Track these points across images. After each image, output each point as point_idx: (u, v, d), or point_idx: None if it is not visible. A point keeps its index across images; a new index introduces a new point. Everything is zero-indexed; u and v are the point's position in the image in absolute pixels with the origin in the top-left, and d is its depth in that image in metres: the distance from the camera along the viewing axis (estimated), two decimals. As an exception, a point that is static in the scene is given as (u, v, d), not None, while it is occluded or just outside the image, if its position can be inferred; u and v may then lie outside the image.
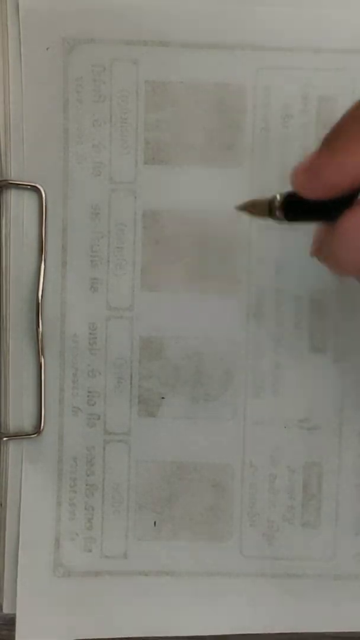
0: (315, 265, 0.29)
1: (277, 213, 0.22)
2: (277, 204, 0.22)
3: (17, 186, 0.28)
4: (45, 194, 0.28)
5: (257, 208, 0.23)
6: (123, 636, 0.29)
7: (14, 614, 0.29)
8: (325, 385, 0.29)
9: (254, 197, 0.23)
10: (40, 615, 0.29)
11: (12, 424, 0.29)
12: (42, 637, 0.29)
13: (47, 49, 0.28)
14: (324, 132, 0.28)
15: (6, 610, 0.29)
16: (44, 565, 0.29)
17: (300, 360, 0.29)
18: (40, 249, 0.28)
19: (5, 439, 0.29)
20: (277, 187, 0.29)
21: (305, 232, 0.29)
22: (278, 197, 0.22)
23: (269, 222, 0.23)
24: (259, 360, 0.29)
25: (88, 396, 0.29)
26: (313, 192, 0.21)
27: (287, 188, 0.29)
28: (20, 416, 0.29)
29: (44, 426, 0.29)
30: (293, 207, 0.22)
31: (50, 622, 0.29)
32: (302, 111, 0.28)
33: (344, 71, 0.28)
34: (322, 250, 0.22)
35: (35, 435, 0.29)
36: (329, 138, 0.21)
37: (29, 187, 0.28)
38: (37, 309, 0.29)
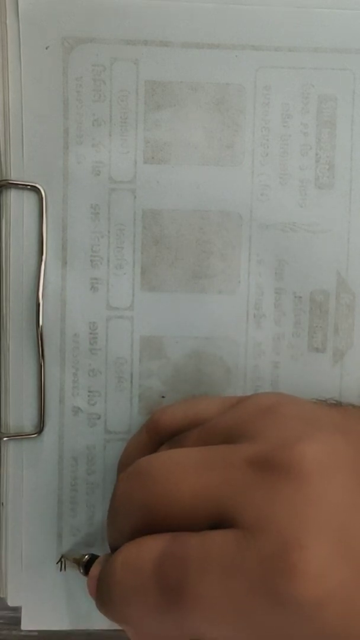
0: (315, 265, 0.29)
1: (81, 570, 0.27)
2: (83, 562, 0.27)
3: (17, 186, 0.28)
4: (45, 194, 0.28)
5: (74, 560, 0.28)
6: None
7: (16, 614, 0.29)
8: (325, 385, 0.29)
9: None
10: (44, 607, 0.29)
11: (12, 424, 0.29)
12: (46, 627, 0.30)
13: (47, 48, 0.28)
14: (324, 132, 0.29)
15: (11, 603, 0.30)
16: (47, 560, 0.29)
17: (300, 360, 0.29)
18: (40, 249, 0.28)
19: (5, 439, 0.29)
20: (276, 186, 0.29)
21: (306, 232, 0.29)
22: (87, 557, 0.27)
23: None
24: (259, 360, 0.29)
25: (88, 396, 0.29)
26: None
27: (287, 188, 0.29)
28: (20, 416, 0.29)
29: (44, 426, 0.29)
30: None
31: (54, 613, 0.30)
32: (302, 111, 0.28)
33: (344, 71, 0.28)
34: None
35: (36, 435, 0.29)
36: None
37: (28, 187, 0.28)
38: (37, 309, 0.29)
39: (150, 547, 0.21)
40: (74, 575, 0.29)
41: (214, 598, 0.20)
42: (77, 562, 0.28)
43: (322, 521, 0.19)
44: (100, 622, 0.30)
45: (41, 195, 0.28)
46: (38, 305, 0.29)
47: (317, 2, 0.28)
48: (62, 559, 0.29)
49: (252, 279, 0.29)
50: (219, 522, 0.20)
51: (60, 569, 0.29)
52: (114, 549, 0.23)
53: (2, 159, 0.28)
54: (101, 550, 0.29)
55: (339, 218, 0.29)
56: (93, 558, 0.26)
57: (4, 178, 0.28)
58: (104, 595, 0.23)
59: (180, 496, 0.21)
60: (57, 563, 0.29)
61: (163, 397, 0.29)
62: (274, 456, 0.21)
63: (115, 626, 0.29)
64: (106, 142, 0.28)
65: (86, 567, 0.27)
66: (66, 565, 0.29)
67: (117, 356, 0.29)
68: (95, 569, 0.25)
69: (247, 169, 0.29)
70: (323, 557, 0.19)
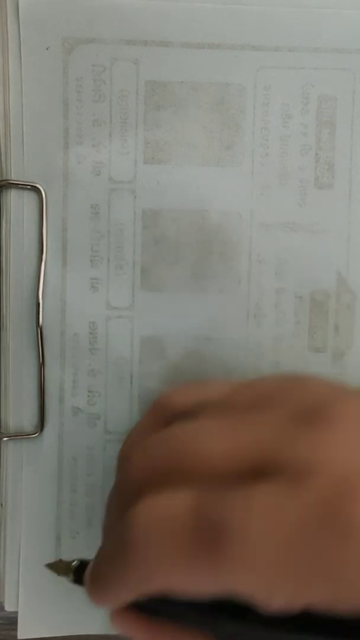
0: (315, 265, 0.29)
1: (70, 577, 0.25)
2: (72, 567, 0.25)
3: (17, 186, 0.28)
4: (45, 194, 0.28)
5: (61, 567, 0.25)
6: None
7: (15, 615, 0.29)
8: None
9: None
10: (42, 612, 0.29)
11: (12, 424, 0.29)
12: (44, 633, 0.30)
13: (47, 48, 0.28)
14: (323, 132, 0.29)
15: (8, 608, 0.29)
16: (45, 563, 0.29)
17: (300, 360, 0.29)
18: (40, 249, 0.28)
19: (5, 439, 0.29)
20: (276, 186, 0.29)
21: (306, 232, 0.29)
22: (75, 562, 0.25)
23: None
24: (259, 360, 0.29)
25: (88, 396, 0.29)
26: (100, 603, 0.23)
27: (287, 188, 0.29)
28: (20, 416, 0.29)
29: (44, 426, 0.29)
30: (82, 574, 0.24)
31: (52, 619, 0.29)
32: (302, 111, 0.28)
33: (344, 71, 0.28)
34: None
35: (35, 435, 0.29)
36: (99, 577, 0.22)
37: (29, 187, 0.28)
38: (37, 309, 0.29)
39: (182, 497, 0.20)
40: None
41: (260, 540, 0.19)
42: (65, 569, 0.25)
43: None
44: (98, 627, 0.30)
45: (41, 195, 0.28)
46: (38, 305, 0.29)
47: (317, 2, 0.28)
48: (55, 567, 0.27)
49: (252, 279, 0.29)
50: (255, 477, 0.20)
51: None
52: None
53: (2, 159, 0.28)
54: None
55: (339, 218, 0.29)
56: (84, 563, 0.24)
57: (4, 178, 0.28)
58: (104, 566, 0.22)
59: (209, 455, 0.20)
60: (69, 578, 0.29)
61: (163, 397, 0.29)
62: (316, 410, 0.20)
63: (114, 631, 0.29)
64: (106, 142, 0.28)
65: (76, 572, 0.25)
66: (57, 574, 0.27)
67: (117, 356, 0.29)
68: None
69: (247, 169, 0.29)
70: None
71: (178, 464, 0.21)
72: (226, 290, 0.29)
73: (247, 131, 0.28)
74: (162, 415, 0.25)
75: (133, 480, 0.22)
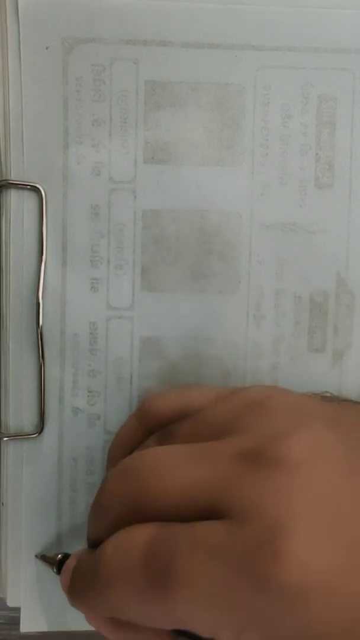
0: (315, 266, 0.29)
1: (54, 569, 0.28)
2: (55, 561, 0.28)
3: (17, 186, 0.28)
4: (45, 194, 0.28)
5: (47, 560, 0.28)
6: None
7: (16, 614, 0.29)
8: (324, 386, 0.29)
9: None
10: (44, 607, 0.30)
11: (12, 424, 0.29)
12: (46, 628, 0.30)
13: (47, 48, 0.28)
14: (323, 132, 0.29)
15: (10, 603, 0.30)
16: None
17: (300, 360, 0.29)
18: (40, 249, 0.28)
19: (5, 439, 0.29)
20: (276, 186, 0.29)
21: (306, 232, 0.29)
22: (60, 556, 0.27)
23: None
24: (258, 361, 0.29)
25: (88, 396, 0.29)
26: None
27: (287, 188, 0.29)
28: (20, 416, 0.29)
29: (44, 426, 0.29)
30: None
31: (54, 615, 0.30)
32: (302, 111, 0.28)
33: (344, 71, 0.28)
34: None
35: (35, 435, 0.29)
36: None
37: (28, 187, 0.28)
38: (37, 309, 0.29)
39: (141, 532, 0.21)
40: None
41: (200, 581, 0.20)
42: (51, 561, 0.28)
43: (310, 509, 0.20)
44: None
45: (41, 195, 0.28)
46: (38, 305, 0.29)
47: (317, 2, 0.28)
48: (43, 558, 0.29)
49: (252, 279, 0.29)
50: (207, 515, 0.21)
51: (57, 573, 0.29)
52: (94, 543, 0.24)
53: (2, 159, 0.28)
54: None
55: (338, 218, 0.29)
56: (66, 556, 0.27)
57: (4, 178, 0.28)
58: (80, 583, 0.23)
59: (168, 491, 0.21)
60: (53, 570, 0.29)
61: (163, 397, 0.29)
62: (263, 449, 0.21)
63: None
64: (106, 142, 0.28)
65: (59, 565, 0.27)
66: (41, 564, 0.29)
67: (117, 356, 0.29)
68: (71, 562, 0.25)
69: (247, 169, 0.29)
70: (310, 543, 0.19)
71: (143, 498, 0.22)
72: (226, 290, 0.29)
73: (247, 131, 0.28)
74: (145, 421, 0.26)
75: (107, 509, 0.23)
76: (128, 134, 0.28)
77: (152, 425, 0.26)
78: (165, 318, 0.29)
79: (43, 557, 0.29)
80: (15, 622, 0.30)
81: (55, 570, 0.27)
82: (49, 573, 0.29)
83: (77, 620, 0.30)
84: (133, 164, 0.28)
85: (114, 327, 0.29)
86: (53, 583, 0.29)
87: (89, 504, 0.29)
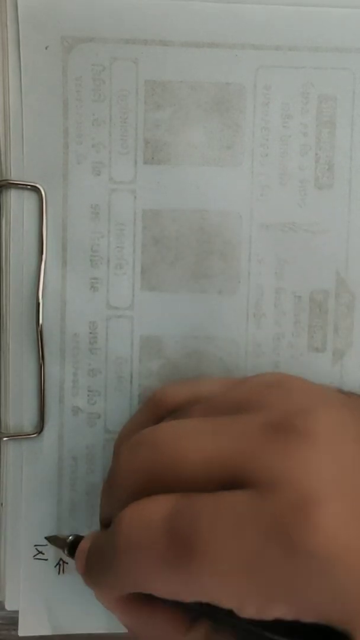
0: (315, 265, 0.29)
1: (65, 551, 0.27)
2: (67, 542, 0.27)
3: (17, 186, 0.28)
4: (45, 193, 0.28)
5: (58, 542, 0.28)
6: (124, 631, 0.29)
7: (15, 614, 0.29)
8: (324, 385, 0.29)
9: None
10: (43, 610, 0.29)
11: (12, 424, 0.29)
12: (44, 631, 0.30)
13: (47, 48, 0.28)
14: (323, 132, 0.29)
15: (9, 607, 0.29)
16: (46, 562, 0.29)
17: (300, 360, 0.29)
18: (40, 249, 0.28)
19: (5, 439, 0.29)
20: (276, 187, 0.29)
21: (305, 232, 0.29)
22: (71, 537, 0.27)
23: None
24: (259, 360, 0.29)
25: (88, 395, 0.29)
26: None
27: (286, 188, 0.29)
28: (20, 416, 0.29)
29: (44, 426, 0.29)
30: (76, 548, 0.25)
31: (53, 617, 0.29)
32: (302, 111, 0.28)
33: (344, 70, 0.28)
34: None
35: (35, 435, 0.29)
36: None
37: (28, 187, 0.28)
38: (37, 309, 0.29)
39: (161, 503, 0.21)
40: (72, 578, 0.29)
41: (226, 550, 0.20)
42: (62, 543, 0.27)
43: (337, 481, 0.20)
44: (99, 625, 0.30)
45: (41, 195, 0.28)
46: (38, 305, 0.29)
47: (317, 1, 0.28)
48: (53, 540, 0.29)
49: (252, 279, 0.29)
50: (229, 486, 0.20)
51: (59, 573, 0.29)
52: (107, 521, 0.23)
53: (2, 159, 0.28)
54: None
55: (338, 218, 0.29)
56: (78, 538, 0.26)
57: (4, 178, 0.28)
58: (97, 563, 0.23)
59: (188, 461, 0.21)
60: (55, 566, 0.29)
61: (163, 396, 0.29)
62: (290, 421, 0.21)
63: (114, 629, 0.29)
64: (106, 142, 0.28)
65: (70, 547, 0.27)
66: (52, 547, 0.29)
67: (117, 356, 0.29)
68: (84, 543, 0.25)
69: (247, 169, 0.29)
70: (338, 514, 0.19)
71: (160, 469, 0.21)
72: (226, 290, 0.29)
73: (247, 131, 0.28)
74: (156, 410, 0.26)
75: (120, 484, 0.23)
76: (128, 134, 0.28)
77: (163, 413, 0.26)
78: (166, 317, 0.29)
79: (54, 539, 0.28)
80: (15, 622, 0.30)
81: (66, 552, 0.27)
82: (47, 575, 0.29)
83: (75, 624, 0.30)
84: (133, 164, 0.28)
85: (114, 327, 0.29)
86: (52, 586, 0.29)
87: (89, 503, 0.29)
